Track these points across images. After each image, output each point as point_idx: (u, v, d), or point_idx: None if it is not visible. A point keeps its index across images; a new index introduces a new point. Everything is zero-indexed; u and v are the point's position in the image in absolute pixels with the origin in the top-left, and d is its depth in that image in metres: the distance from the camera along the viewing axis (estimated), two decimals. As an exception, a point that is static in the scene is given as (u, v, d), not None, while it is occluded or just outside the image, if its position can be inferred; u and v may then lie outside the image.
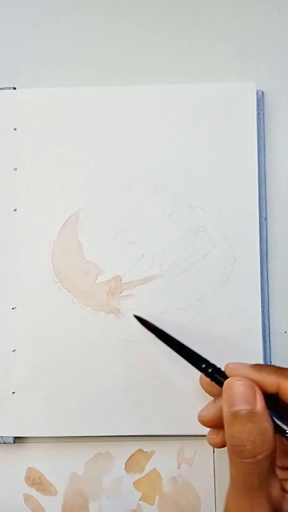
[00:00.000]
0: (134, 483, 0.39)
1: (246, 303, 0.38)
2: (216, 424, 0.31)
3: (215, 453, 0.38)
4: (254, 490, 0.27)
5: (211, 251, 0.39)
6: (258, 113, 0.40)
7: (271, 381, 0.29)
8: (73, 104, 0.40)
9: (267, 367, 0.30)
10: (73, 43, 0.42)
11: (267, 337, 0.39)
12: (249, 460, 0.26)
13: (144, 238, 0.39)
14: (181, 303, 0.38)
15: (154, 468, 0.39)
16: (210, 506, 0.38)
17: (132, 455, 0.39)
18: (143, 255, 0.39)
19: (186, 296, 0.38)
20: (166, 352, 0.38)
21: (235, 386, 0.28)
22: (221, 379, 0.31)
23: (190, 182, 0.39)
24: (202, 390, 0.36)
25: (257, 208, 0.39)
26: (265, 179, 0.40)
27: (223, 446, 0.31)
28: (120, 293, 0.39)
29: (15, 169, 0.40)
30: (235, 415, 0.27)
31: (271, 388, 0.29)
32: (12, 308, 0.39)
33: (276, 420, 0.28)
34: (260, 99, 0.40)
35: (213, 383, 0.31)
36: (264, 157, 0.40)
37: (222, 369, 0.31)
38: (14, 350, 0.39)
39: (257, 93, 0.40)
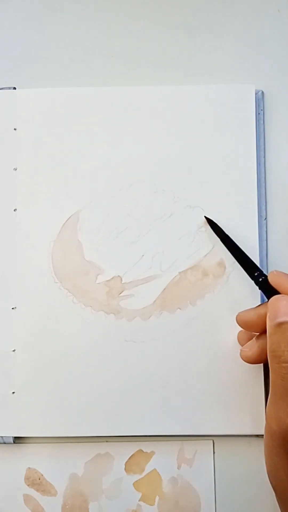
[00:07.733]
0: (134, 484, 0.38)
1: (246, 303, 0.38)
2: (256, 360, 0.35)
3: (215, 453, 0.38)
4: None
5: (211, 251, 0.39)
6: (258, 113, 0.40)
7: None
8: (73, 104, 0.40)
9: None
10: (73, 43, 0.42)
11: (267, 337, 0.39)
12: (286, 364, 0.30)
13: (144, 238, 0.39)
14: (181, 303, 0.38)
15: (154, 469, 0.39)
16: (210, 506, 0.38)
17: (132, 455, 0.39)
18: (143, 255, 0.39)
19: (186, 296, 0.38)
20: (165, 352, 0.38)
21: (279, 302, 0.32)
22: (267, 290, 0.35)
23: (190, 182, 0.39)
24: (203, 390, 0.37)
25: (257, 208, 0.39)
26: (265, 179, 0.40)
27: (254, 361, 0.35)
28: (120, 293, 0.39)
29: (15, 169, 0.40)
30: (277, 325, 0.31)
31: None
32: (12, 308, 0.39)
33: None
34: (260, 99, 0.40)
35: (254, 317, 0.35)
36: (264, 157, 0.40)
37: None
38: (14, 350, 0.38)
39: (257, 93, 0.40)
